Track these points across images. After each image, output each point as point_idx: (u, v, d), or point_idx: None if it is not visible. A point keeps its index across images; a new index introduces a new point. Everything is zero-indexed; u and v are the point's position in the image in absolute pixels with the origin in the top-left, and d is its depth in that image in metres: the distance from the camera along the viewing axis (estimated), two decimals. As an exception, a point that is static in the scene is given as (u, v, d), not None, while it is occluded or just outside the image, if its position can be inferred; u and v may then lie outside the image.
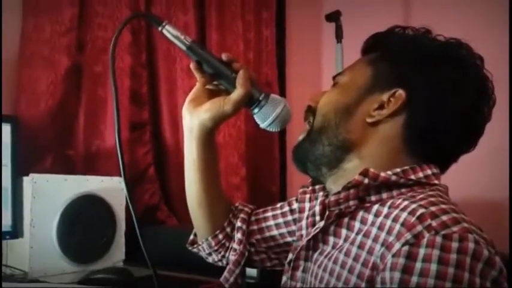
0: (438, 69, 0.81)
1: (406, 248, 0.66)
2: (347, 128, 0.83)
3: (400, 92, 0.81)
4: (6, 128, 1.41)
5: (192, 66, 0.91)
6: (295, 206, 0.99)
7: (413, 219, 0.68)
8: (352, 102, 0.84)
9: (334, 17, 2.12)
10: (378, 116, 0.82)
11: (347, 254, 0.75)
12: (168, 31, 0.89)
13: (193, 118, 0.91)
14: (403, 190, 0.78)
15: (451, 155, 0.85)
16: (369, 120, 0.82)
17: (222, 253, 1.02)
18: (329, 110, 0.86)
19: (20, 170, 1.45)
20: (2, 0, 1.54)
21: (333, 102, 0.86)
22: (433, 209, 0.69)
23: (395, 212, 0.72)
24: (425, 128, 0.81)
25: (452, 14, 2.10)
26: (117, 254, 1.62)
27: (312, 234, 0.83)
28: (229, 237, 1.01)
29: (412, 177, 0.79)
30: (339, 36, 2.11)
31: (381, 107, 0.82)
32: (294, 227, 0.98)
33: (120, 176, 1.61)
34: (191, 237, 1.07)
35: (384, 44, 0.88)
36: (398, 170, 0.79)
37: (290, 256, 0.87)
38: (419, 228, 0.66)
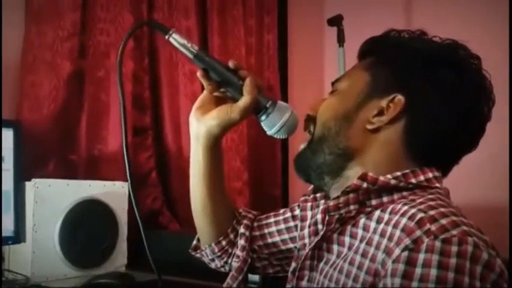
0: (436, 72, 0.81)
1: (405, 253, 0.65)
2: (347, 135, 0.83)
3: (399, 98, 0.80)
4: (9, 133, 1.41)
5: (199, 74, 0.90)
6: (297, 212, 0.99)
7: (412, 224, 0.68)
8: (352, 109, 0.84)
9: (336, 21, 2.12)
10: (378, 123, 0.81)
11: (351, 263, 0.75)
12: (175, 39, 0.89)
13: (200, 125, 0.91)
14: (404, 193, 0.78)
15: (452, 156, 0.84)
16: (369, 127, 0.82)
17: (225, 259, 1.02)
18: (328, 118, 0.85)
19: (22, 175, 1.45)
20: (1, 4, 1.54)
21: (332, 110, 0.86)
22: (432, 213, 0.69)
23: (396, 218, 0.71)
24: (425, 131, 0.81)
25: (453, 17, 2.10)
26: (119, 259, 1.62)
27: (313, 243, 0.83)
28: (233, 244, 1.01)
29: (413, 180, 0.79)
30: (340, 40, 2.11)
31: (381, 113, 0.81)
32: (295, 233, 0.98)
33: (123, 180, 1.63)
34: (194, 242, 1.07)
35: (380, 48, 0.88)
36: (398, 173, 0.79)
37: (293, 265, 0.87)
38: (418, 233, 0.66)
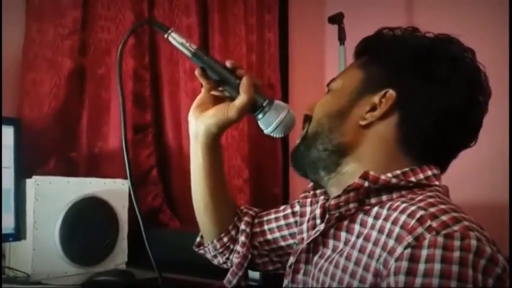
0: (427, 66, 0.81)
1: (408, 251, 0.65)
2: (341, 131, 0.83)
3: (391, 92, 0.81)
4: (10, 130, 1.41)
5: (197, 72, 0.91)
6: (297, 208, 1.00)
7: (412, 221, 0.68)
8: (345, 107, 0.84)
9: (336, 19, 2.12)
10: (371, 118, 0.82)
11: (348, 258, 0.75)
12: (174, 38, 0.90)
13: (198, 124, 0.92)
14: (403, 192, 0.78)
15: (448, 151, 0.84)
16: (362, 122, 0.82)
17: (227, 255, 1.03)
18: (322, 116, 0.86)
19: (23, 172, 1.45)
20: (1, 1, 1.54)
21: (326, 108, 0.87)
22: (432, 210, 0.69)
23: (395, 214, 0.71)
24: (417, 125, 0.81)
25: (454, 16, 2.10)
26: (119, 257, 1.62)
27: (312, 237, 0.83)
28: (234, 240, 1.02)
29: (412, 179, 0.79)
30: (341, 38, 2.11)
31: (373, 108, 0.82)
32: (295, 229, 0.98)
33: (123, 178, 1.63)
34: (198, 239, 1.08)
35: (373, 46, 0.89)
36: (398, 172, 0.79)
37: (291, 259, 0.87)
38: (420, 230, 0.66)
